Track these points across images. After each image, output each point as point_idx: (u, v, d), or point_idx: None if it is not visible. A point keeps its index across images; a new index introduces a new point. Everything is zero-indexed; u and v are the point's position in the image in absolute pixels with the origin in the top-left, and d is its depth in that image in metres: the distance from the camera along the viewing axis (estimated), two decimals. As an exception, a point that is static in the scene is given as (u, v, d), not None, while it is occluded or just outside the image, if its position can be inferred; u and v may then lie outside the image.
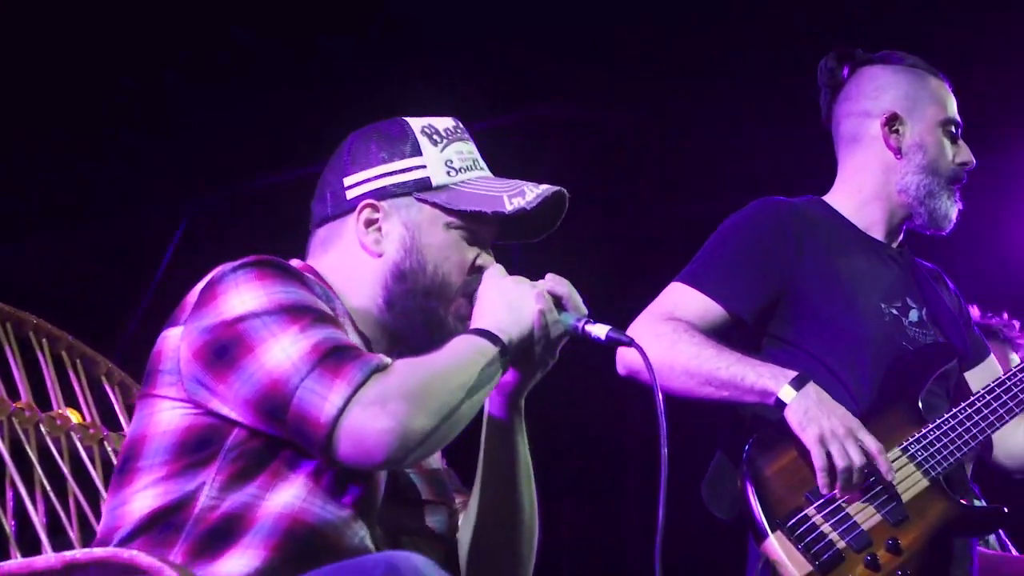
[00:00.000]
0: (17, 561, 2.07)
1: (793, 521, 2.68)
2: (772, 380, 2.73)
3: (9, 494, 2.44)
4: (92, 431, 2.67)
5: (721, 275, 2.90)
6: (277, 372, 1.96)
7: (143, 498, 2.02)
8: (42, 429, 2.59)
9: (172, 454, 2.03)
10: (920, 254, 3.17)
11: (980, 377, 3.05)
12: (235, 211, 5.15)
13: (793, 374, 2.73)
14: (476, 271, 2.21)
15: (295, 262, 2.23)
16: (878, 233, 3.04)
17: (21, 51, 4.81)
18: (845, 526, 2.68)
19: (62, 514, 2.50)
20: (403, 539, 2.15)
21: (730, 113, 5.41)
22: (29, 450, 2.52)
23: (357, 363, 1.96)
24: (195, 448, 2.03)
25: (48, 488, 2.51)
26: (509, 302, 2.13)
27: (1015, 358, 4.15)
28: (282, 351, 1.97)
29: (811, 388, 2.72)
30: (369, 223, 2.21)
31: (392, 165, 2.22)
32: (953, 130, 3.05)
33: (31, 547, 2.36)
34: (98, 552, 1.95)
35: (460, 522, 2.26)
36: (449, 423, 2.00)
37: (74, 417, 2.69)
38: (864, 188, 3.05)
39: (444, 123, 2.26)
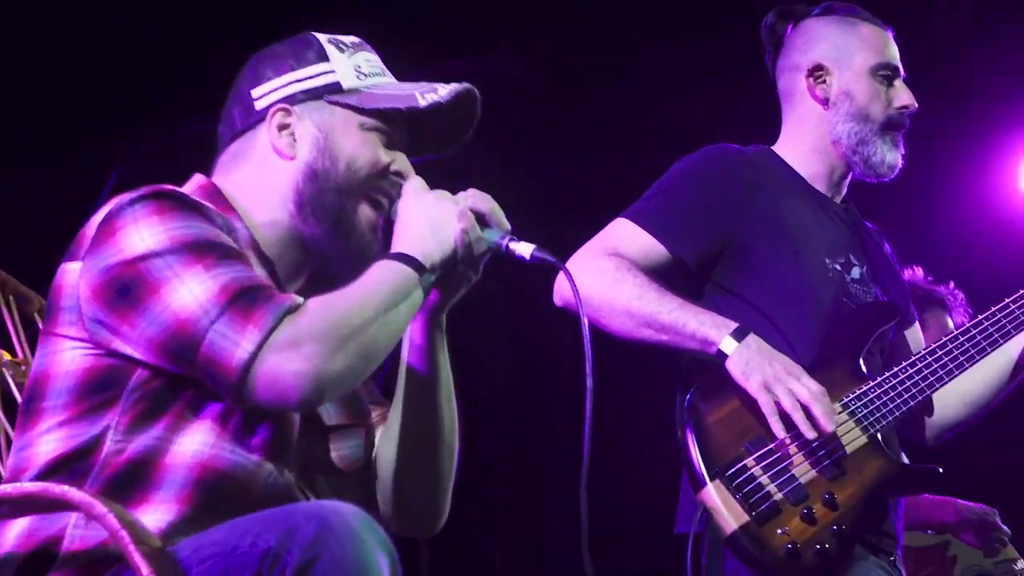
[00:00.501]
0: (-62, 496, 2.05)
1: (732, 470, 2.67)
2: (714, 329, 2.72)
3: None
4: (24, 368, 2.66)
5: (668, 216, 2.87)
6: (185, 314, 1.92)
7: (48, 441, 2.00)
8: (-40, 364, 2.59)
9: (74, 396, 2.00)
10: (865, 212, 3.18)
11: (911, 338, 3.08)
12: (170, 155, 5.10)
13: (734, 325, 2.72)
14: (392, 175, 2.18)
15: (197, 179, 2.19)
16: (822, 187, 3.04)
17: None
18: (783, 478, 2.68)
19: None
20: (314, 471, 2.14)
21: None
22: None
23: (268, 305, 1.93)
24: (97, 389, 1.99)
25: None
26: (432, 221, 2.09)
27: (950, 323, 4.20)
28: (189, 292, 1.93)
29: (751, 339, 2.71)
30: (282, 127, 2.17)
31: (301, 72, 2.19)
32: (888, 74, 3.02)
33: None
34: (28, 487, 1.93)
35: (379, 436, 2.25)
36: (366, 360, 1.98)
37: (6, 354, 2.69)
38: (804, 142, 3.05)
39: (350, 38, 2.25)
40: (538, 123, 6.03)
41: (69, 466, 1.96)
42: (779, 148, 3.07)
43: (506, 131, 5.80)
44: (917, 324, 3.13)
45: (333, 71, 2.19)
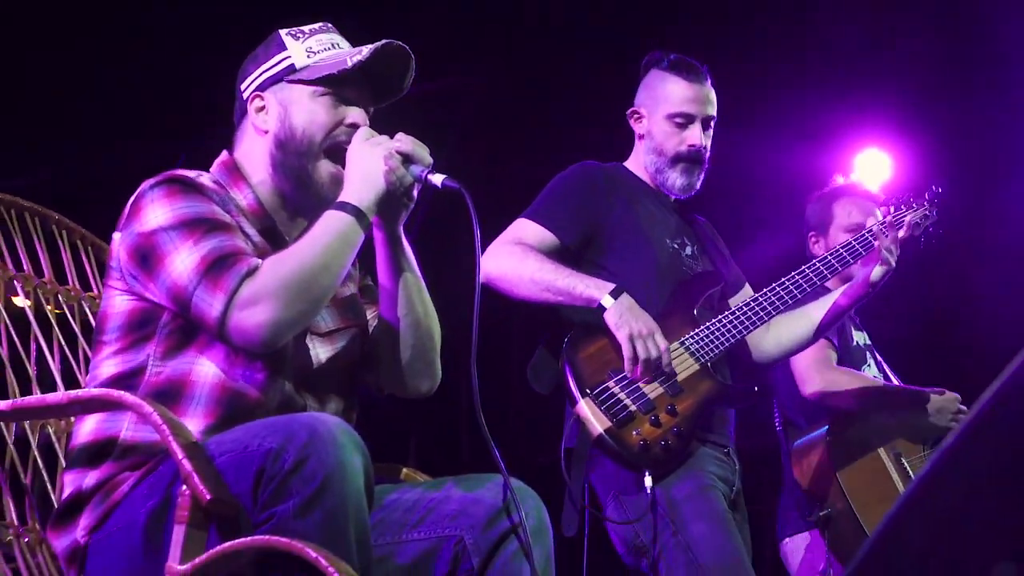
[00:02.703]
0: (35, 396, 2.39)
1: (598, 390, 3.18)
2: (596, 290, 3.24)
3: (32, 347, 2.65)
4: (99, 300, 2.76)
5: (553, 212, 3.40)
6: (179, 282, 2.23)
7: (107, 366, 2.32)
8: (59, 298, 2.78)
9: (122, 331, 2.32)
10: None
11: (740, 296, 3.57)
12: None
13: (612, 286, 3.24)
14: (347, 127, 2.42)
15: (223, 154, 2.49)
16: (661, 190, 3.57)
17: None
18: (636, 395, 3.19)
19: (74, 363, 2.71)
20: (311, 374, 2.37)
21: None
22: (49, 314, 2.73)
23: (231, 272, 2.21)
24: (138, 326, 2.31)
25: (63, 343, 2.71)
26: (364, 170, 2.32)
27: None
28: (181, 263, 2.23)
29: (625, 297, 3.23)
30: (259, 110, 2.46)
31: (266, 64, 2.47)
32: (682, 121, 3.47)
33: (50, 388, 2.59)
34: (95, 391, 2.22)
35: (376, 324, 2.52)
36: (315, 303, 2.26)
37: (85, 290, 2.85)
38: (642, 161, 3.54)
39: (312, 25, 2.49)
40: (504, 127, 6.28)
41: (122, 384, 2.27)
42: (629, 163, 3.60)
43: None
44: (746, 289, 3.60)
45: (289, 56, 2.44)
